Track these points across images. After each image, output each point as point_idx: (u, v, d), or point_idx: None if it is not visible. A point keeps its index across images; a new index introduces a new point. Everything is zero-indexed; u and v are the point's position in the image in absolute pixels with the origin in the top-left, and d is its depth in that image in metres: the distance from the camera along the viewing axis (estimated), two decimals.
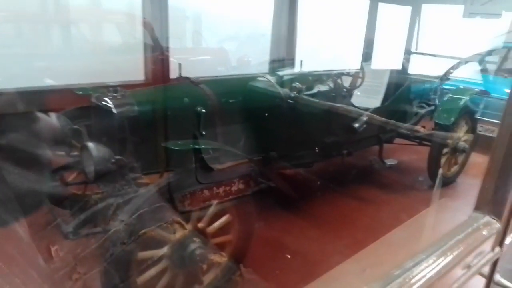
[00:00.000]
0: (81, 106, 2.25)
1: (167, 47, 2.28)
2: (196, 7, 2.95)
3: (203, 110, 2.46)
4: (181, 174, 2.58)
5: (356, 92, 3.48)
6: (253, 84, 2.79)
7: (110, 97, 2.16)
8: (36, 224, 1.84)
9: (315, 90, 3.14)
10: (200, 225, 2.77)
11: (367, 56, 3.52)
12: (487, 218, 0.93)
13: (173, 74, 2.50)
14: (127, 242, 1.61)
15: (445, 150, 3.61)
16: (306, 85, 3.00)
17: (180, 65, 2.41)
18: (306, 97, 2.96)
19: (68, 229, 1.75)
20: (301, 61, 3.08)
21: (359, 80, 3.46)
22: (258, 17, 3.11)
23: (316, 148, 3.18)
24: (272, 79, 2.96)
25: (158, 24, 2.21)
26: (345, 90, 3.34)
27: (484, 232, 0.90)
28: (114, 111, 2.17)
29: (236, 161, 2.82)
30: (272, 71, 3.05)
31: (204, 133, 2.48)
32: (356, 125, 3.15)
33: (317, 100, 2.68)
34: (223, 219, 2.77)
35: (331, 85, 3.26)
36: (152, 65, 2.30)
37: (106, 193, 1.96)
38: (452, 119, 3.49)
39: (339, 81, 3.31)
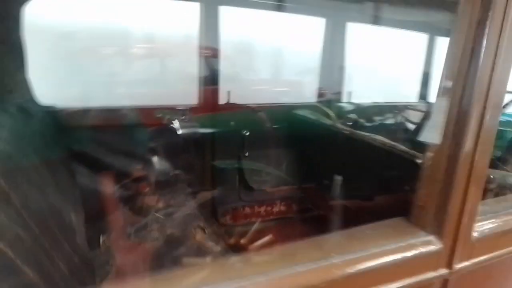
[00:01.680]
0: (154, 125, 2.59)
1: (217, 77, 2.60)
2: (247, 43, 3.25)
3: (247, 133, 2.70)
4: (225, 191, 2.85)
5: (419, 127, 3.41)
6: (304, 112, 2.93)
7: (178, 119, 2.52)
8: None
9: (376, 122, 3.15)
10: (243, 241, 2.97)
11: (425, 89, 3.47)
12: (429, 238, 0.97)
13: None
14: (158, 239, 1.89)
15: None
16: (363, 116, 3.05)
17: (229, 92, 2.72)
18: (363, 128, 2.96)
19: (131, 230, 2.10)
20: (350, 93, 3.17)
21: (423, 114, 3.39)
22: (305, 48, 3.30)
23: (375, 181, 3.14)
24: (325, 108, 3.06)
25: (212, 59, 2.57)
26: (409, 123, 3.27)
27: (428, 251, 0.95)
28: (180, 131, 2.53)
29: (279, 184, 2.99)
30: (325, 101, 3.17)
31: (247, 154, 2.71)
32: (420, 161, 3.07)
33: (368, 134, 2.57)
34: (266, 238, 2.92)
35: (394, 118, 3.24)
36: (204, 92, 2.64)
37: (165, 203, 2.29)
38: None
39: (403, 114, 3.28)
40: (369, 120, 2.95)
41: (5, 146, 1.35)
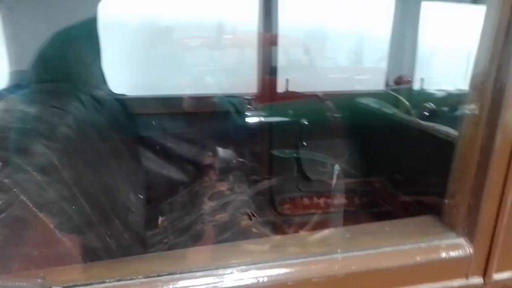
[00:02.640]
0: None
1: (275, 66, 2.59)
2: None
3: (306, 122, 2.65)
4: (283, 180, 2.84)
5: None
6: (371, 101, 2.76)
7: (246, 108, 2.60)
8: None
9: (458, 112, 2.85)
10: (302, 232, 2.95)
11: None
12: (459, 240, 0.85)
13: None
14: (205, 221, 1.98)
15: None
16: (444, 105, 2.79)
17: (287, 80, 2.68)
18: (442, 118, 2.70)
19: (186, 213, 2.24)
20: (422, 79, 2.91)
21: None
22: (376, 31, 3.08)
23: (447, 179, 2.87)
24: (398, 96, 2.85)
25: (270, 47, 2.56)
26: None
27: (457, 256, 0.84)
28: (247, 120, 2.60)
29: (340, 176, 2.89)
30: (399, 88, 2.95)
31: (304, 144, 2.67)
32: None
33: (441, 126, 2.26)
34: (326, 232, 2.86)
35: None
36: (263, 80, 2.65)
37: (223, 189, 2.38)
38: None
39: None
40: (451, 109, 2.66)
41: (68, 130, 1.52)
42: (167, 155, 2.60)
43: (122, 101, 2.46)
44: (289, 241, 0.90)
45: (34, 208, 0.99)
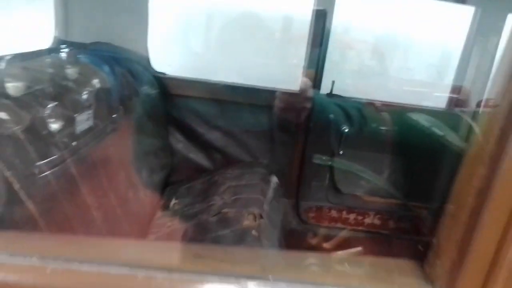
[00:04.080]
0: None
1: (322, 66, 2.42)
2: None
3: (346, 130, 2.45)
4: (311, 187, 2.66)
5: None
6: (431, 119, 2.47)
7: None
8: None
9: None
10: (326, 245, 2.77)
11: None
12: None
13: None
14: (212, 214, 1.90)
15: None
16: None
17: (333, 82, 2.49)
18: None
19: (196, 201, 2.21)
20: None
21: None
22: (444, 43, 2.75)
23: None
24: (469, 120, 2.53)
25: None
26: None
27: None
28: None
29: (375, 194, 2.64)
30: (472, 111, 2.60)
31: (341, 152, 2.47)
32: None
33: None
34: (354, 250, 2.67)
35: None
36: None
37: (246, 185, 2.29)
38: None
39: None
40: None
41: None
42: (197, 140, 2.57)
43: (160, 80, 2.47)
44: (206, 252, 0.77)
45: None
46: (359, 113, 2.52)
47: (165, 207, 2.08)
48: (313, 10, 2.42)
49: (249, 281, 0.65)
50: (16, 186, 1.67)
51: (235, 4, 2.75)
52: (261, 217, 1.87)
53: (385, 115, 2.61)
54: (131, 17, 2.41)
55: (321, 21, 2.41)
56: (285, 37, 2.72)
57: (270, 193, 2.23)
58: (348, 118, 2.53)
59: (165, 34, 2.73)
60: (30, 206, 1.68)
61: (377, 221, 2.68)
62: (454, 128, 2.34)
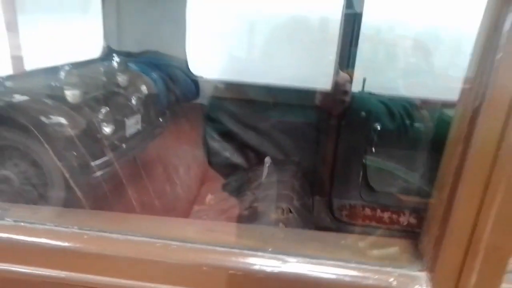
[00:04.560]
0: None
1: (353, 63, 2.45)
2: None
3: (379, 128, 2.46)
4: (345, 185, 2.68)
5: None
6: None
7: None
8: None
9: None
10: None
11: None
12: (420, 274, 0.70)
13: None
14: (244, 208, 2.01)
15: None
16: None
17: (364, 79, 2.50)
18: None
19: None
20: None
21: None
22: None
23: None
24: None
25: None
26: None
27: None
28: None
29: (411, 192, 2.61)
30: None
31: (373, 150, 2.48)
32: None
33: None
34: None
35: None
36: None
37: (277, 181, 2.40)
38: None
39: None
40: None
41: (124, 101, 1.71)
42: (233, 140, 2.70)
43: (198, 83, 2.63)
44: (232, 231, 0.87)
45: None
46: (396, 110, 2.51)
47: (200, 201, 2.22)
48: (343, 13, 2.46)
49: (251, 251, 0.75)
50: (72, 183, 1.89)
51: (269, 8, 2.85)
52: (290, 211, 1.94)
53: (423, 112, 2.58)
54: (171, 25, 2.59)
55: (352, 23, 2.44)
56: (317, 38, 2.78)
57: (300, 189, 2.30)
58: (384, 115, 2.53)
59: (203, 39, 2.90)
60: (84, 203, 1.90)
61: (412, 220, 2.64)
62: None
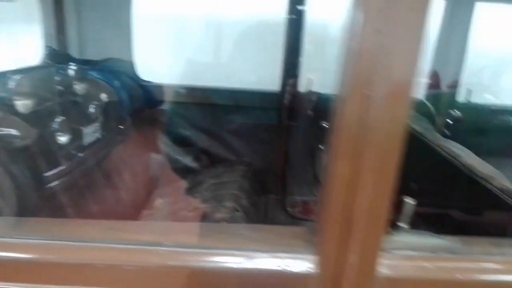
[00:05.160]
0: None
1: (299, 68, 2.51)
2: None
3: (326, 126, 2.51)
4: (298, 182, 2.74)
5: None
6: None
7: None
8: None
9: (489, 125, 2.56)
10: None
11: None
12: (309, 257, 0.73)
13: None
14: (189, 210, 2.02)
15: None
16: (478, 119, 2.51)
17: (309, 79, 2.57)
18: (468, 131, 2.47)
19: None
20: (469, 90, 2.56)
21: None
22: None
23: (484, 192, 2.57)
24: (428, 104, 2.60)
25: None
26: None
27: None
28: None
29: None
30: (434, 94, 2.66)
31: (321, 147, 2.54)
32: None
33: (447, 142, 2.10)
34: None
35: None
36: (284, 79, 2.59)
37: (227, 182, 2.41)
38: None
39: None
40: (486, 123, 2.33)
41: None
42: (184, 143, 2.70)
43: (147, 88, 2.62)
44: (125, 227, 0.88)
45: None
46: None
47: (149, 205, 2.21)
48: (287, 14, 2.53)
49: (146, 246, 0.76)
50: (26, 195, 1.85)
51: (216, 13, 2.88)
52: (236, 210, 1.96)
53: None
54: (116, 31, 2.58)
55: (295, 23, 2.51)
56: (267, 40, 2.82)
57: (251, 188, 2.33)
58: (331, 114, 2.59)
59: (150, 45, 2.90)
60: (38, 213, 1.85)
61: None
62: (425, 113, 2.40)
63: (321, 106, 2.57)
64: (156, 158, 2.59)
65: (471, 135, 2.51)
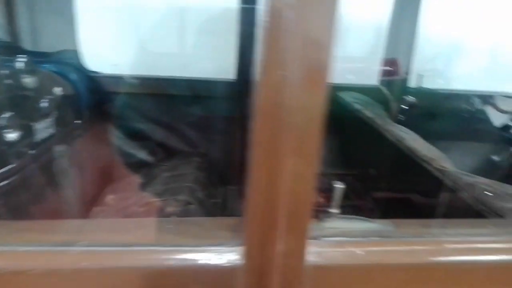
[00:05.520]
0: None
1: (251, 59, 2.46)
2: None
3: None
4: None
5: None
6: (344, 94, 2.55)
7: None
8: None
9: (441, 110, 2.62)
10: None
11: None
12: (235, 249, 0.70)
13: None
14: (140, 205, 1.94)
15: None
16: (431, 104, 2.56)
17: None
18: (421, 115, 2.51)
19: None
20: (421, 76, 2.60)
21: None
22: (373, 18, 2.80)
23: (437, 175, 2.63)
24: (386, 91, 2.62)
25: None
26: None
27: None
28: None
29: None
30: (390, 81, 2.69)
31: None
32: (497, 157, 2.44)
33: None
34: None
35: (474, 110, 2.63)
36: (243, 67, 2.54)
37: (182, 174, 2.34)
38: None
39: (492, 104, 2.63)
40: (436, 108, 2.38)
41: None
42: (137, 136, 2.60)
43: (95, 79, 2.49)
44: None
45: None
46: None
47: (100, 202, 2.12)
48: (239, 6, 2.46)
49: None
50: None
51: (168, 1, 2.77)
52: (189, 203, 1.91)
53: None
54: (59, 19, 2.42)
55: (249, 12, 2.45)
56: (224, 28, 2.74)
57: (207, 181, 2.28)
58: None
59: (98, 34, 2.76)
60: None
61: (320, 199, 2.73)
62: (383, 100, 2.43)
63: None
64: (109, 153, 2.48)
65: (424, 119, 2.56)
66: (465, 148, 2.57)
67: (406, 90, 2.66)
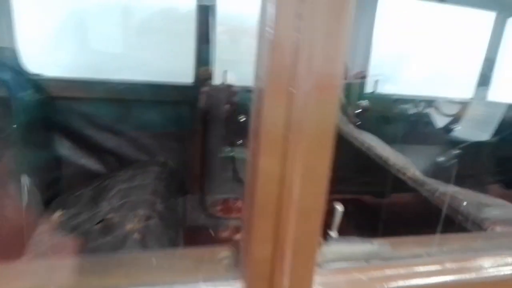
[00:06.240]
0: None
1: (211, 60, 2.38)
2: None
3: (244, 119, 2.43)
4: (216, 180, 2.62)
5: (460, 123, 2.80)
6: None
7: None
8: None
9: (392, 114, 2.71)
10: (224, 234, 2.73)
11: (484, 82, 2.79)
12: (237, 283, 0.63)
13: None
14: (95, 222, 1.77)
15: None
16: (383, 108, 2.62)
17: (224, 72, 2.45)
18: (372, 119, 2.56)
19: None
20: (376, 81, 2.67)
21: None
22: None
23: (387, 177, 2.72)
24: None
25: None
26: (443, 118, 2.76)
27: None
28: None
29: None
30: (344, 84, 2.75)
31: (240, 142, 2.45)
32: (441, 159, 2.55)
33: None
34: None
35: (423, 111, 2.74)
36: (199, 71, 2.44)
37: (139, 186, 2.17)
38: None
39: (435, 108, 2.76)
40: (388, 111, 2.47)
41: None
42: (86, 144, 2.40)
43: (36, 82, 2.25)
44: None
45: None
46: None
47: (50, 220, 1.90)
48: (197, 6, 2.37)
49: None
50: None
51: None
52: (149, 218, 1.78)
53: None
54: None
55: (206, 14, 2.36)
56: (180, 30, 2.62)
57: (166, 190, 2.15)
58: (248, 107, 2.51)
59: (44, 33, 2.51)
60: None
61: None
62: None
63: (238, 99, 2.48)
64: (53, 163, 2.26)
65: (377, 123, 2.64)
66: (412, 150, 2.69)
67: (361, 95, 2.73)
